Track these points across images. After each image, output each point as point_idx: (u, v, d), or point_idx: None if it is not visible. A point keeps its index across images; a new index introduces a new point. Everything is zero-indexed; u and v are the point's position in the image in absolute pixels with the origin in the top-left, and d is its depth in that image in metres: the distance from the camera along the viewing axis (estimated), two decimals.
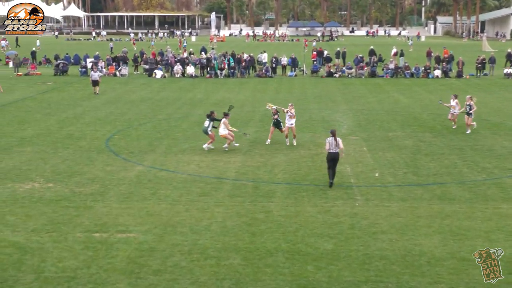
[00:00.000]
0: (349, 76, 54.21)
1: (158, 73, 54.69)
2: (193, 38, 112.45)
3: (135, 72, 58.38)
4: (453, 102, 29.10)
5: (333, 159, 19.50)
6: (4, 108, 36.71)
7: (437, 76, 53.03)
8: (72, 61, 64.69)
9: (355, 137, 27.56)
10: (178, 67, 55.33)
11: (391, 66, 54.94)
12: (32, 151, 24.96)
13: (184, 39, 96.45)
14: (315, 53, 63.13)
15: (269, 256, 14.16)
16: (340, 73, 54.64)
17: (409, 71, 53.94)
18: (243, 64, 55.52)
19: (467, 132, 28.13)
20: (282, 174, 21.44)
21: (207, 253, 14.38)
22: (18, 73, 56.36)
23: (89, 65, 57.06)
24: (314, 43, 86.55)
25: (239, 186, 20.01)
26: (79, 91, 44.64)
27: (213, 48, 68.92)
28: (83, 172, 21.65)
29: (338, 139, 19.51)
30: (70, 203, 18.11)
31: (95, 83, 42.59)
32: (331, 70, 54.91)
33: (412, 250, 14.54)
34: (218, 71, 54.89)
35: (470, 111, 28.09)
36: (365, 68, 55.09)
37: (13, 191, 19.40)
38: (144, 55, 60.35)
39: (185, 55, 61.12)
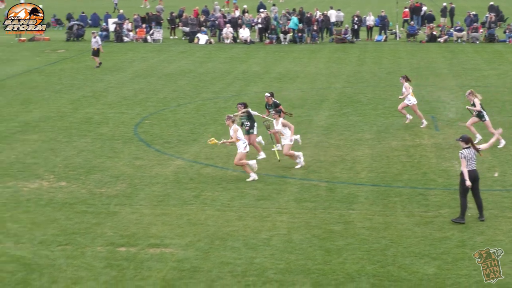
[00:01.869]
0: (459, 40, 53.46)
1: (202, 38, 55.07)
2: None
3: (171, 37, 58.94)
4: (403, 88, 27.17)
5: (474, 181, 17.11)
6: (3, 84, 37.66)
7: None
8: (90, 22, 65.82)
9: (464, 123, 27.21)
10: (228, 30, 55.60)
11: None
12: (39, 140, 25.55)
13: None
14: (406, 10, 62.35)
15: (349, 282, 14.15)
16: (446, 36, 53.92)
17: None
18: (315, 25, 55.41)
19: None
20: (366, 173, 21.37)
21: (266, 275, 14.46)
22: (21, 39, 57.64)
23: (111, 28, 57.89)
24: None
25: (308, 187, 20.05)
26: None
27: (274, 4, 68.98)
28: (105, 168, 22.04)
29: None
30: (89, 208, 18.50)
31: (94, 52, 43.16)
32: (434, 32, 54.24)
33: None
34: (281, 35, 54.91)
35: (480, 113, 24.32)
36: (481, 30, 54.20)
37: (16, 191, 19.93)
38: (184, 14, 60.87)
39: (237, 13, 61.40)
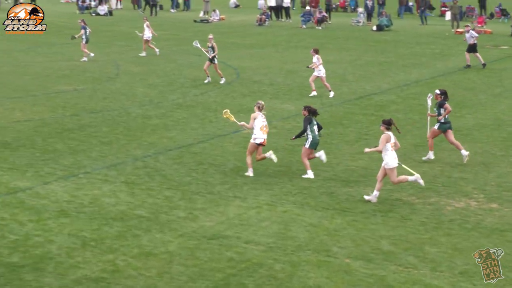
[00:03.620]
0: None
1: None
2: None
3: None
4: None
5: None
6: (434, 82, 38.46)
7: None
8: None
9: None
10: None
11: None
12: (470, 151, 25.29)
13: None
14: None
15: None
16: None
17: None
18: None
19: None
20: None
21: None
22: (457, 30, 58.65)
23: None
24: None
25: None
26: None
27: None
28: None
29: None
30: None
31: (468, 48, 42.06)
32: None
33: None
34: None
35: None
36: None
37: (438, 209, 20.26)
38: None
39: None
